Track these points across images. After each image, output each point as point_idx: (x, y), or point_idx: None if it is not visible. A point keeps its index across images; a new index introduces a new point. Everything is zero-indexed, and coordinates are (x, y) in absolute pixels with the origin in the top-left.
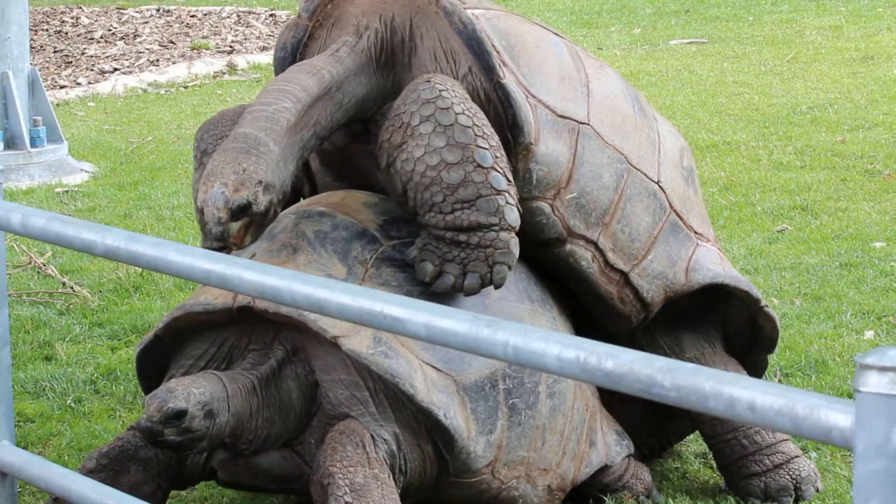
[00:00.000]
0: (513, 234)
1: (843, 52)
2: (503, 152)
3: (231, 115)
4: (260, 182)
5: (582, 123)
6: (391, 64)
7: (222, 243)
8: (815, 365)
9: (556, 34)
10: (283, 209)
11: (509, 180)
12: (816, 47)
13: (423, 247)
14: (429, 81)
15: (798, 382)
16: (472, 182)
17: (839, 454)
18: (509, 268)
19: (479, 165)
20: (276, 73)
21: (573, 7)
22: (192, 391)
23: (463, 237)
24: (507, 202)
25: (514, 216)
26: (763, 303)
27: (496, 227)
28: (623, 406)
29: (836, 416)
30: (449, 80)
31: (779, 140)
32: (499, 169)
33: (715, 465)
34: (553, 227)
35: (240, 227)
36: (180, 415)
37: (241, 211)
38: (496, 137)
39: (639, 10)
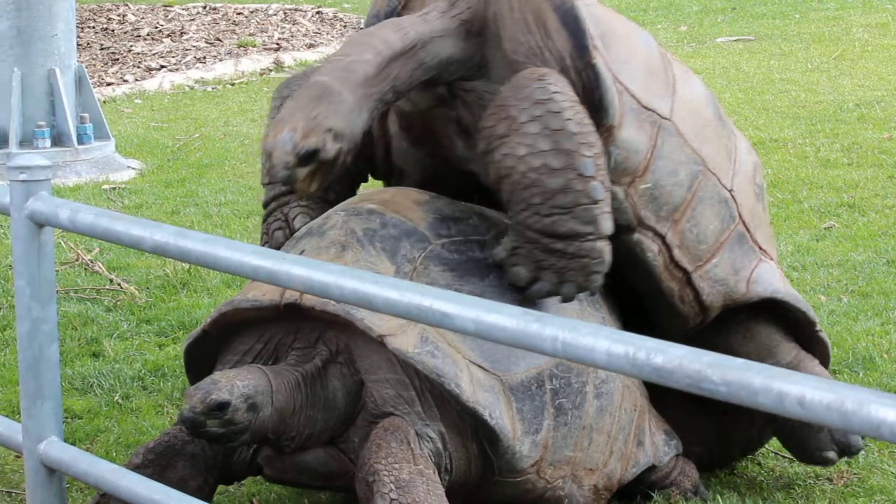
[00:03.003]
0: (607, 242)
1: (889, 49)
2: (604, 159)
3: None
4: (329, 129)
5: (664, 118)
6: (482, 34)
7: (288, 187)
8: (863, 362)
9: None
10: (354, 158)
11: (606, 188)
12: (863, 44)
13: (513, 251)
14: (542, 79)
15: (845, 379)
16: (573, 190)
17: (887, 450)
18: (602, 276)
19: (581, 174)
20: None
21: (619, 5)
22: (237, 384)
23: (559, 245)
24: (602, 211)
25: (608, 225)
26: (818, 327)
27: (592, 237)
28: (678, 415)
29: (885, 411)
30: (561, 79)
31: (826, 137)
32: (599, 178)
33: (763, 462)
34: (624, 214)
35: (307, 174)
36: (223, 406)
37: (308, 157)
38: (600, 144)
39: (685, 7)
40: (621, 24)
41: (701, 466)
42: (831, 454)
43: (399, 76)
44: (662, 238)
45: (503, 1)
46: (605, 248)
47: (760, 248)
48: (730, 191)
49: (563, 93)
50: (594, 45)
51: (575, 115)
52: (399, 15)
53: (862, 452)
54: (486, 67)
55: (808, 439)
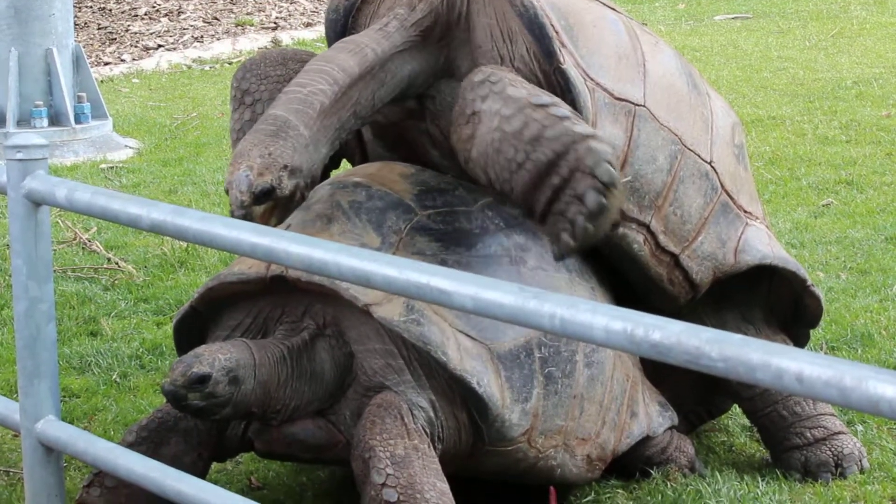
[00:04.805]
0: (599, 140)
1: (887, 26)
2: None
3: (273, 57)
4: (285, 167)
5: (638, 105)
6: (446, 40)
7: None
8: (861, 338)
9: (613, 9)
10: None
11: (570, 110)
12: (861, 22)
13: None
14: (480, 71)
15: (844, 356)
16: (533, 120)
17: (886, 427)
18: (614, 211)
19: (537, 105)
20: (328, 36)
21: None
22: (218, 357)
23: (556, 179)
24: (571, 122)
25: (582, 127)
26: (809, 282)
27: (573, 144)
28: (670, 375)
29: (884, 387)
30: (498, 67)
31: (824, 115)
32: (558, 103)
33: (761, 440)
34: None
35: (264, 210)
36: (204, 379)
37: (264, 195)
38: (551, 94)
39: None
40: (588, 10)
41: (699, 424)
42: (796, 475)
43: (360, 101)
44: (647, 227)
45: (466, 4)
46: (598, 146)
47: (745, 211)
48: (710, 162)
49: (498, 71)
50: (561, 45)
51: (516, 78)
52: (358, 9)
53: (860, 428)
54: (451, 68)
55: (776, 447)
